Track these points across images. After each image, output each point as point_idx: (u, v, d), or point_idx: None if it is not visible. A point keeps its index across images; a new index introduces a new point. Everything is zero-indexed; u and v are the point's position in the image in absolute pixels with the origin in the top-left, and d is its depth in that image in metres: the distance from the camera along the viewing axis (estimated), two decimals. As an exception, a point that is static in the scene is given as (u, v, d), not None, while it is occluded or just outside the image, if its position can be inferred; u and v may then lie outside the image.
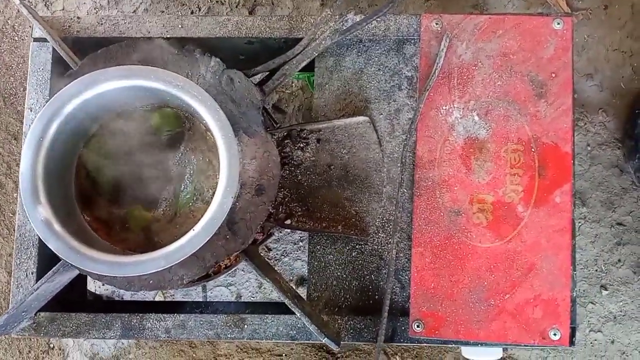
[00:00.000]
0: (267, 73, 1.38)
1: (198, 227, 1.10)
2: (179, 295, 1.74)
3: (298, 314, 1.21)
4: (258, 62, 1.44)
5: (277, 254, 1.81)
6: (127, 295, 1.76)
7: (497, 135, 1.30)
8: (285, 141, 1.39)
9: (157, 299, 1.73)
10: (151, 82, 1.16)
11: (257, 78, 1.37)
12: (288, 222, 1.38)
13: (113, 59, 1.25)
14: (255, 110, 1.24)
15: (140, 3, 1.99)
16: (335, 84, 1.41)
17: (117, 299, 1.76)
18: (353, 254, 1.37)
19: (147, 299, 1.75)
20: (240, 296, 1.71)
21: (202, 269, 1.22)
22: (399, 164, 1.34)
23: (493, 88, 1.31)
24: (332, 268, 1.38)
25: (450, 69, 1.32)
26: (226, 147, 1.13)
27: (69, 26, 1.40)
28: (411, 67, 1.37)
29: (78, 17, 1.40)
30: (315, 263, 1.38)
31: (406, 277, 1.32)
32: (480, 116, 1.31)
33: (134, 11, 2.02)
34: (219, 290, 1.70)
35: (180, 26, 1.39)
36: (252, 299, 1.71)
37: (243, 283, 1.72)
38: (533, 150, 1.28)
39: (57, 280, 1.26)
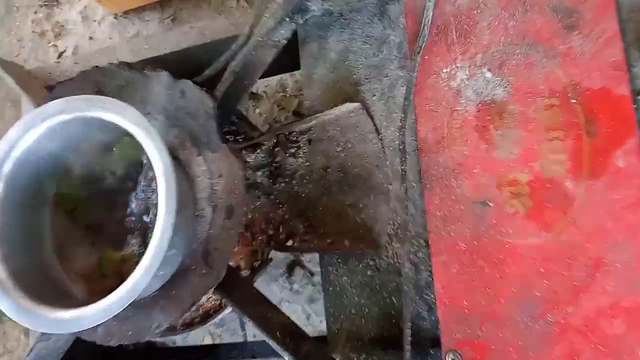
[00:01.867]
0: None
1: (138, 269, 0.94)
2: (226, 336, 1.59)
3: (287, 359, 0.98)
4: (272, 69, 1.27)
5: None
6: (180, 341, 1.66)
7: (520, 92, 0.96)
8: (276, 149, 1.19)
9: (206, 341, 1.61)
10: (86, 112, 1.03)
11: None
12: (290, 243, 1.17)
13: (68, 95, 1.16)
14: (211, 121, 1.05)
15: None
16: (322, 71, 1.18)
17: (170, 344, 1.67)
18: (368, 273, 1.10)
19: (197, 344, 1.63)
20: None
21: (180, 311, 1.06)
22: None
23: (504, 32, 0.97)
24: (349, 293, 1.12)
25: (445, 20, 1.02)
26: (163, 171, 0.95)
27: (49, 73, 1.35)
28: (399, 31, 1.09)
29: (57, 62, 1.35)
30: (330, 289, 1.14)
31: (432, 295, 1.03)
32: (493, 71, 0.98)
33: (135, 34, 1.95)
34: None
35: (146, 46, 1.27)
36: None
37: (290, 315, 1.51)
38: (573, 101, 0.92)
39: (56, 338, 1.19)
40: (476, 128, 0.99)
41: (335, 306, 1.13)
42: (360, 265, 1.11)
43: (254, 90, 1.63)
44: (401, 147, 1.01)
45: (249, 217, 1.24)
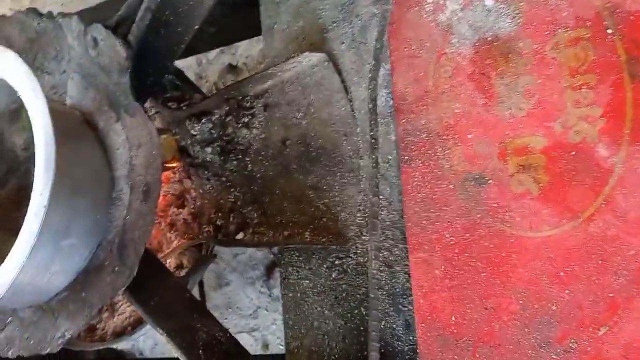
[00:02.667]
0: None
1: (6, 261, 0.71)
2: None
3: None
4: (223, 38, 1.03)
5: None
6: (147, 351, 1.43)
7: (534, 23, 0.68)
8: (227, 119, 0.94)
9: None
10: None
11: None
12: (240, 236, 0.92)
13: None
14: (124, 75, 0.81)
15: None
16: (284, 19, 0.93)
17: (138, 356, 1.44)
18: (333, 276, 0.84)
19: (166, 355, 1.40)
20: (267, 345, 1.26)
21: (88, 317, 0.82)
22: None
23: (511, -61, 0.70)
24: (310, 300, 0.86)
25: None
26: (43, 136, 0.72)
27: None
28: (373, -47, 0.82)
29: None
30: (290, 294, 0.89)
31: (410, 307, 0.75)
32: (496, -4, 0.70)
33: None
34: (240, 338, 1.29)
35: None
36: (281, 347, 1.25)
37: (268, 327, 1.26)
38: (610, 32, 0.64)
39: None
40: (472, 76, 0.71)
41: (294, 317, 0.87)
42: (324, 266, 0.85)
43: (233, 63, 1.40)
44: (370, 106, 0.75)
45: (198, 203, 1.00)
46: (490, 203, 0.69)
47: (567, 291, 0.64)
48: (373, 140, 0.74)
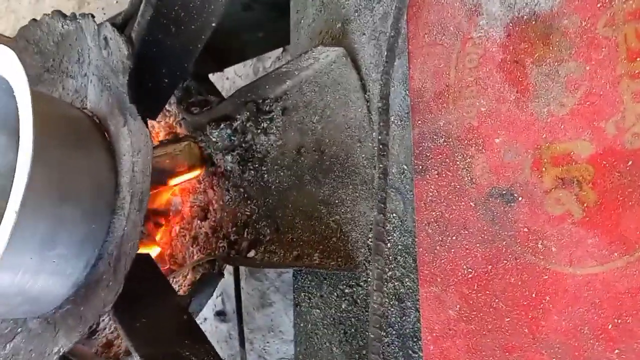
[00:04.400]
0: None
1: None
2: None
3: None
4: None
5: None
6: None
7: None
8: (248, 124, 0.86)
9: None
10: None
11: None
12: (252, 254, 0.82)
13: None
14: (126, 76, 0.76)
15: None
16: (311, 13, 0.83)
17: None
18: (342, 306, 0.72)
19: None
20: None
21: (80, 334, 0.77)
22: (390, 117, 0.66)
23: None
24: (320, 334, 0.75)
25: None
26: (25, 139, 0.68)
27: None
28: None
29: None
30: (301, 325, 0.78)
31: (420, 352, 0.60)
32: (534, -38, 0.55)
33: None
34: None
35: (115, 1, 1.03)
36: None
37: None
38: None
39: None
40: (503, 65, 0.56)
41: (304, 352, 0.76)
42: (335, 294, 0.73)
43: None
44: (380, 105, 0.62)
45: (218, 216, 0.92)
46: (520, 227, 0.53)
47: (616, 351, 0.46)
48: (381, 146, 0.61)
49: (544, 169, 0.52)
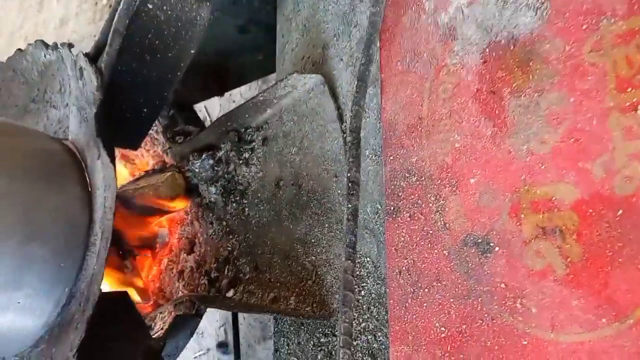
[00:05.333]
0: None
1: None
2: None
3: None
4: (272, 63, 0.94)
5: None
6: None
7: (564, 15, 0.45)
8: (230, 154, 0.81)
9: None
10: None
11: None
12: (231, 293, 0.77)
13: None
14: (93, 107, 0.72)
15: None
16: (295, 37, 0.78)
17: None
18: (318, 357, 0.65)
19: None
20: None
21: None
22: (366, 151, 0.60)
23: None
24: (298, 385, 0.68)
25: None
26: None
27: None
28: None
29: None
30: None
31: (396, 417, 0.54)
32: (511, -20, 0.49)
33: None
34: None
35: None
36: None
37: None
38: None
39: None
40: (478, 97, 0.50)
41: (283, 403, 0.70)
42: (311, 342, 0.67)
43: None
44: (350, 139, 0.56)
45: (202, 250, 0.87)
46: (497, 282, 0.46)
47: None
48: (350, 184, 0.55)
49: (522, 216, 0.45)
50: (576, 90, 0.44)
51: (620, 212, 0.40)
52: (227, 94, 1.36)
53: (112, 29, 0.70)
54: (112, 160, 0.69)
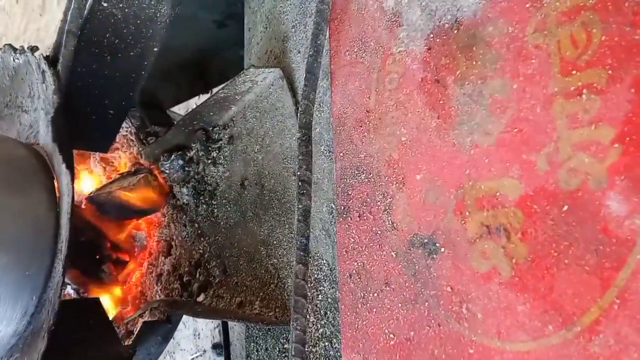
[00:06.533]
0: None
1: None
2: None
3: None
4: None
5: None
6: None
7: None
8: (200, 154, 0.79)
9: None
10: None
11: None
12: (201, 298, 0.75)
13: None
14: (50, 111, 0.71)
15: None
16: (259, 30, 0.75)
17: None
18: (283, 363, 0.63)
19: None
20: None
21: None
22: (320, 147, 0.57)
23: None
24: (266, 391, 0.66)
25: None
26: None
27: None
28: None
29: None
30: None
31: None
32: (453, -42, 0.45)
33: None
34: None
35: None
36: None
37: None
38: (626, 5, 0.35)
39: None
40: (422, 86, 0.46)
41: (254, 409, 0.68)
42: (277, 349, 0.64)
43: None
44: (299, 135, 0.53)
45: (177, 253, 0.85)
46: (443, 285, 0.43)
47: None
48: (300, 183, 0.52)
49: (467, 213, 0.42)
50: (519, 76, 0.40)
51: (566, 208, 0.36)
52: (215, 90, 1.33)
53: (65, 29, 0.68)
54: (70, 165, 0.68)
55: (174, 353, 1.33)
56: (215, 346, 1.24)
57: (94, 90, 0.77)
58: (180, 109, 1.41)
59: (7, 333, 0.74)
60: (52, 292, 0.73)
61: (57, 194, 0.78)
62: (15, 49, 0.86)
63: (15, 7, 2.61)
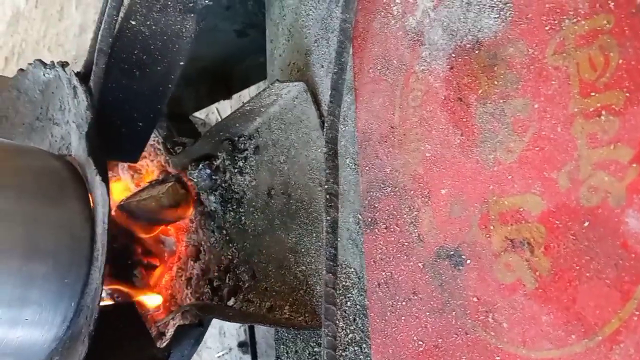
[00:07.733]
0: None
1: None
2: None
3: None
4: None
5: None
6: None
7: (526, 15, 0.43)
8: (226, 163, 0.82)
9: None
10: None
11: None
12: (232, 302, 0.78)
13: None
14: (84, 127, 0.74)
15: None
16: (282, 42, 0.78)
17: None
18: (313, 367, 0.66)
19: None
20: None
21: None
22: (346, 160, 0.59)
23: None
24: (297, 391, 0.69)
25: None
26: None
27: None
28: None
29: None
30: None
31: None
32: (473, -19, 0.47)
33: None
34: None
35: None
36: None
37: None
38: None
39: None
40: (445, 104, 0.48)
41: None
42: (307, 351, 0.67)
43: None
44: (326, 150, 0.56)
45: (206, 258, 0.89)
46: (469, 295, 0.45)
47: None
48: (328, 196, 0.55)
49: (492, 227, 0.44)
50: (540, 96, 0.42)
51: (587, 224, 0.38)
52: (236, 96, 1.36)
53: (96, 48, 0.71)
54: (104, 177, 0.71)
55: (200, 351, 1.36)
56: (240, 344, 1.27)
57: (124, 105, 0.80)
58: (201, 114, 1.45)
59: (48, 337, 0.78)
60: (90, 298, 0.77)
61: (92, 205, 0.81)
62: (45, 64, 0.90)
63: (34, 12, 2.66)
